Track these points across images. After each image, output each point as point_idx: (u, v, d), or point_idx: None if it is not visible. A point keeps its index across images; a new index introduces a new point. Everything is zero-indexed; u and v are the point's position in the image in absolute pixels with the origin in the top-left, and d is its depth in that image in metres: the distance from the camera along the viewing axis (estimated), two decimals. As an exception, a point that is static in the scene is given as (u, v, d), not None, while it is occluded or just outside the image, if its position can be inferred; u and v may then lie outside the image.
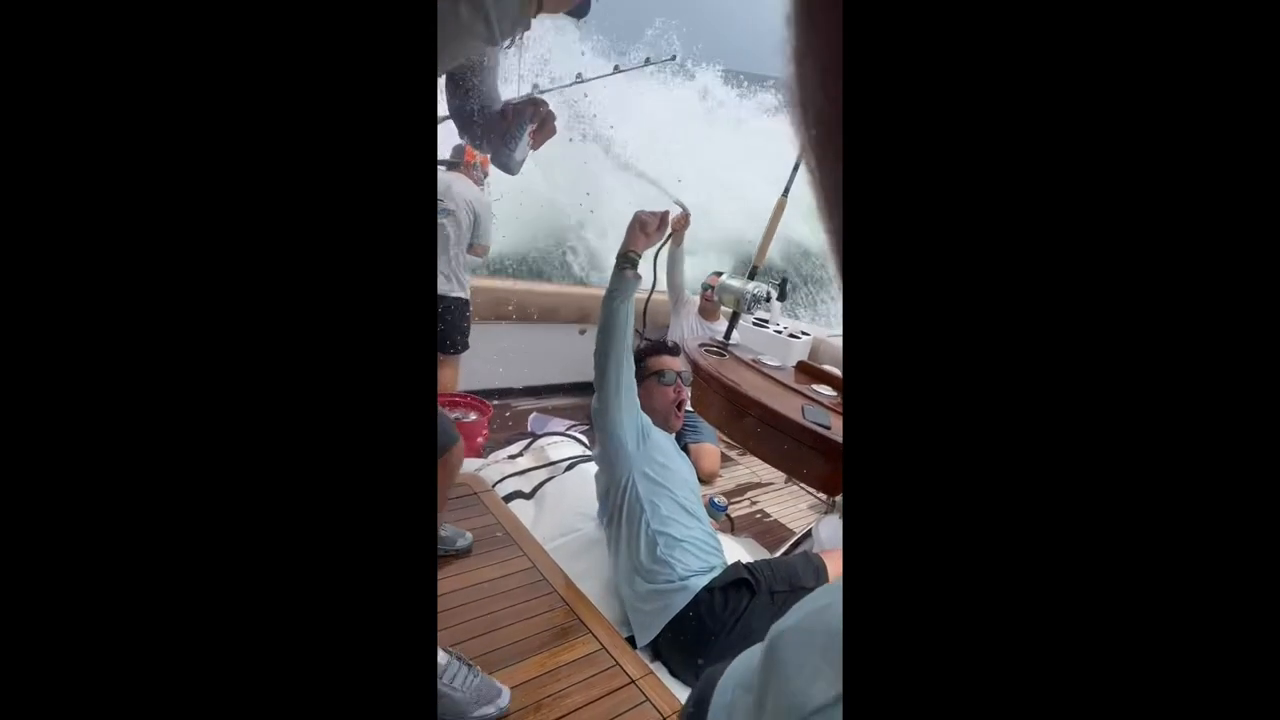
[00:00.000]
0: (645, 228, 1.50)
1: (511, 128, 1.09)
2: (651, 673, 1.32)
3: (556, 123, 1.13)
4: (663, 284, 3.10)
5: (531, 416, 3.00)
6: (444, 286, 2.67)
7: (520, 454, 2.25)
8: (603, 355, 1.56)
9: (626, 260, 1.52)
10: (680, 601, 1.43)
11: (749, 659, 0.41)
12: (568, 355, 3.35)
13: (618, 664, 1.31)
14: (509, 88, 1.15)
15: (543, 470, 2.10)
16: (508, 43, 0.70)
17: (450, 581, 1.41)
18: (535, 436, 2.43)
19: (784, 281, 2.32)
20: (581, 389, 3.40)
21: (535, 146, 1.13)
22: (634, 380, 1.61)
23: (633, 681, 1.28)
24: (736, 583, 1.44)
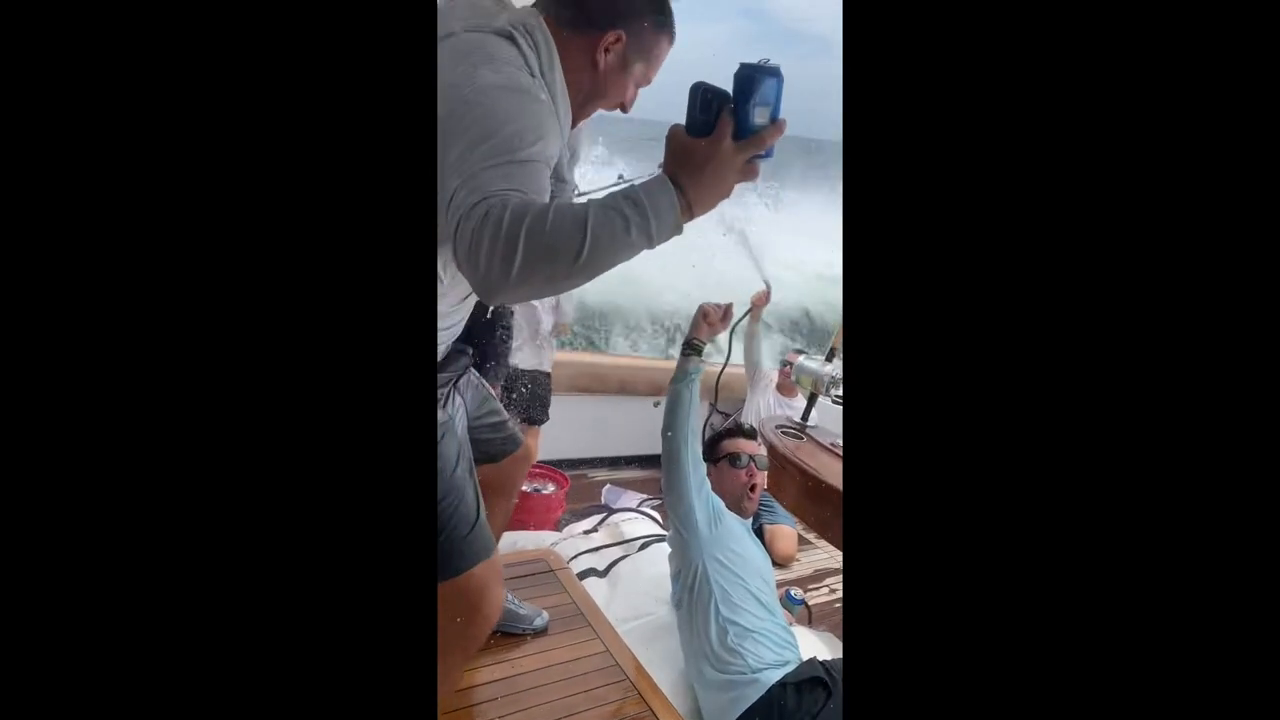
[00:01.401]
0: (709, 318, 1.56)
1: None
2: (723, 773, 1.28)
3: None
4: (738, 357, 3.13)
5: (605, 488, 3.04)
6: (532, 361, 2.79)
7: (595, 529, 2.28)
8: (667, 438, 1.60)
9: (690, 347, 1.57)
10: (752, 694, 1.40)
11: None
12: (642, 427, 3.40)
13: (689, 761, 1.28)
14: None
15: (617, 548, 2.12)
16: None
17: (526, 661, 1.44)
18: (610, 511, 2.46)
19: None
20: (655, 461, 3.42)
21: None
22: (701, 462, 1.63)
23: (704, 781, 1.25)
24: (812, 680, 1.40)
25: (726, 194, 0.77)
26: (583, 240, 0.65)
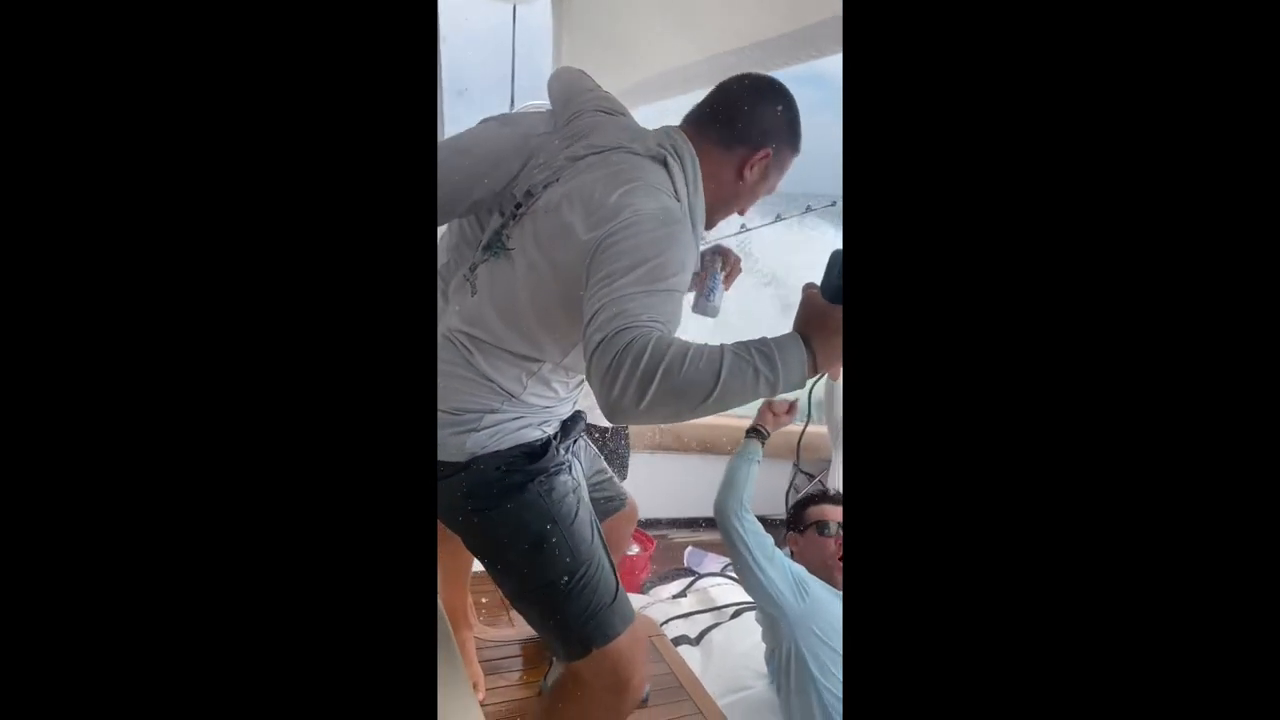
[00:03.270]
0: (774, 408, 1.62)
1: (706, 278, 1.23)
2: None
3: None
4: (820, 418, 3.09)
5: (688, 550, 3.04)
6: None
7: (683, 594, 2.27)
8: (720, 514, 1.61)
9: (755, 432, 1.61)
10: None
11: None
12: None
13: None
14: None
15: (708, 615, 2.11)
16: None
17: None
18: (696, 576, 2.46)
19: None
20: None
21: (728, 287, 1.26)
22: (764, 537, 1.60)
23: None
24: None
25: None
26: (714, 386, 0.71)
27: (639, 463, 3.04)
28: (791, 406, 1.64)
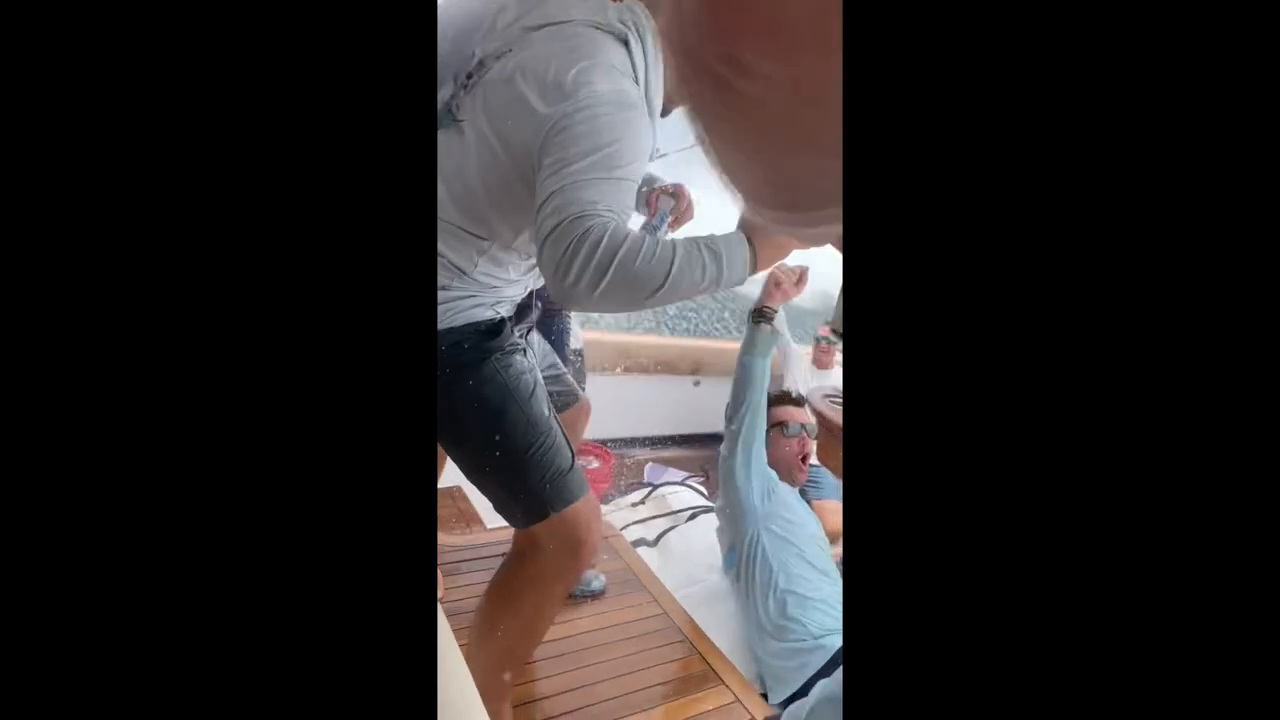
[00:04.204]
0: (781, 285, 1.52)
1: (653, 220, 1.20)
2: (788, 731, 1.28)
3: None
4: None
5: (648, 466, 3.05)
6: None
7: (642, 502, 2.28)
8: (736, 412, 1.58)
9: (762, 316, 1.55)
10: (816, 661, 1.39)
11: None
12: (683, 407, 3.39)
13: (754, 717, 1.28)
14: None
15: (665, 519, 2.12)
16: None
17: (585, 623, 1.45)
18: (654, 486, 2.46)
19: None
20: (695, 441, 3.41)
21: (675, 230, 1.23)
22: (764, 437, 1.61)
23: (769, 739, 1.24)
24: (877, 643, 1.38)
25: (788, 254, 0.89)
26: (665, 279, 0.73)
27: (599, 385, 3.02)
28: (802, 275, 1.53)
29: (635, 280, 0.72)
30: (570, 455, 1.02)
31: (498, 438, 0.95)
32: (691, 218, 1.23)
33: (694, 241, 0.78)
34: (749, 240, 0.80)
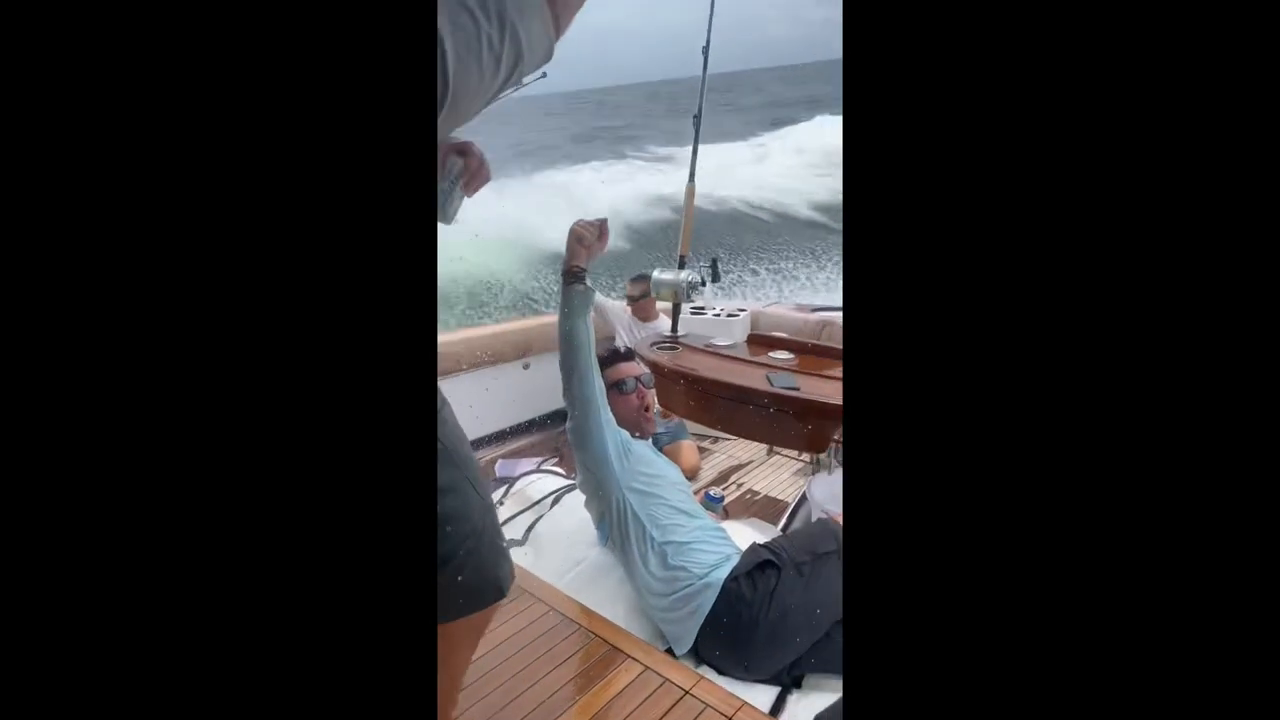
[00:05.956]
0: (584, 240, 1.45)
1: (440, 182, 1.02)
2: (702, 678, 1.28)
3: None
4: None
5: (497, 464, 2.91)
6: None
7: (501, 502, 2.16)
8: (570, 378, 1.52)
9: (573, 276, 1.47)
10: (708, 600, 1.40)
11: None
12: (518, 393, 3.27)
13: (667, 680, 1.26)
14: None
15: (528, 513, 2.03)
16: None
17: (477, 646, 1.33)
18: (510, 481, 2.35)
19: (715, 262, 2.33)
20: (539, 424, 3.32)
21: (470, 193, 1.03)
22: (605, 397, 1.57)
23: (687, 692, 1.23)
24: (760, 565, 1.42)
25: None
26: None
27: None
28: (602, 228, 1.44)
29: None
30: None
31: None
32: (487, 178, 1.01)
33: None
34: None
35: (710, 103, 2.29)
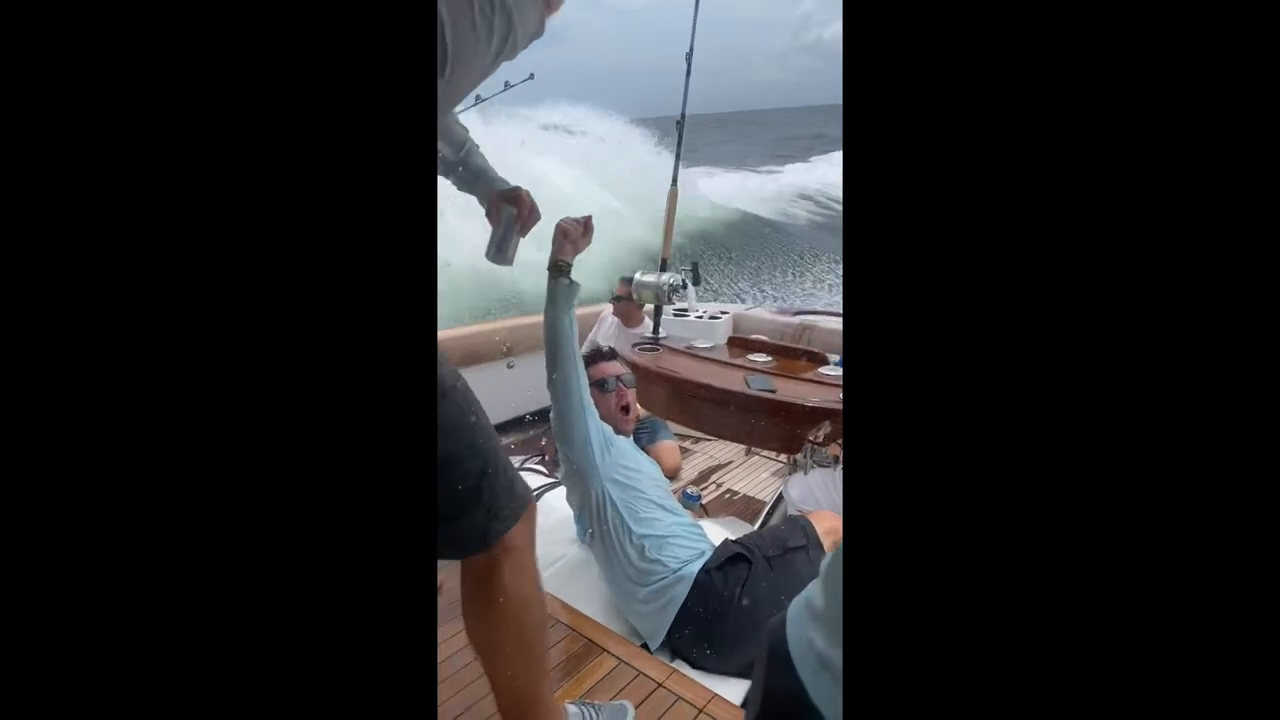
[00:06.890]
0: (569, 235, 1.48)
1: (497, 231, 1.09)
2: (675, 670, 1.31)
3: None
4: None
5: (481, 462, 2.93)
6: None
7: (482, 500, 2.19)
8: (555, 371, 1.54)
9: (559, 269, 1.49)
10: (681, 592, 1.43)
11: (804, 594, 0.42)
12: (501, 392, 3.29)
13: (640, 673, 1.29)
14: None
15: (509, 509, 2.05)
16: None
17: (450, 644, 1.36)
18: (492, 479, 2.37)
19: (695, 266, 2.36)
20: (524, 423, 3.34)
21: (524, 234, 1.13)
22: (588, 391, 1.60)
23: (660, 685, 1.27)
24: (732, 559, 1.46)
25: None
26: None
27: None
28: (587, 224, 1.45)
29: None
30: None
31: None
32: (538, 219, 1.12)
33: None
34: None
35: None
